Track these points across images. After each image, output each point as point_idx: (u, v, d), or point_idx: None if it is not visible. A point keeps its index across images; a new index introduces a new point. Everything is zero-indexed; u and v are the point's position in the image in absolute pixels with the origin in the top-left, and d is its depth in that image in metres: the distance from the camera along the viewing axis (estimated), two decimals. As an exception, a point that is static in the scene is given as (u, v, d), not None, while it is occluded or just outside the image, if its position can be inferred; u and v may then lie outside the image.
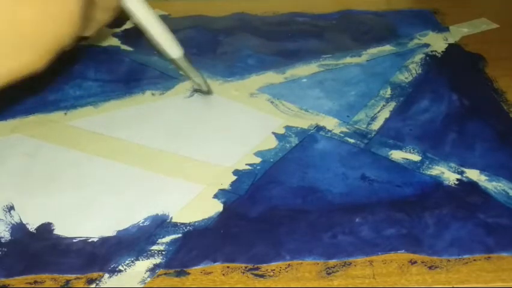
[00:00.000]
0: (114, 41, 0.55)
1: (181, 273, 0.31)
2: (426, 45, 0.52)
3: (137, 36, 0.56)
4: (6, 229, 0.34)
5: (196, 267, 0.31)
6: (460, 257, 0.31)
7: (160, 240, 0.33)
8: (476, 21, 0.57)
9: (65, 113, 0.44)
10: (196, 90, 0.45)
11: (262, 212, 0.34)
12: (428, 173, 0.37)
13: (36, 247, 0.32)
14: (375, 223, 0.33)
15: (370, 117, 0.43)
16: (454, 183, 0.36)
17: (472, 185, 0.36)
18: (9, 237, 0.33)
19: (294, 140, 0.41)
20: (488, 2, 0.62)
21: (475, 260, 0.31)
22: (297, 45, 0.53)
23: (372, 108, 0.44)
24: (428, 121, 0.42)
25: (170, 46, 0.41)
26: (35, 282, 0.31)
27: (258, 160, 0.39)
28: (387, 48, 0.52)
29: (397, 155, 0.39)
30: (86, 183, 0.37)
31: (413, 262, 0.31)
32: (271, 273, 0.31)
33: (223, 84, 0.47)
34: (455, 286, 0.30)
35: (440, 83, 0.47)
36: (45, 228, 0.34)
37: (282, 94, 0.46)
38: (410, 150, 0.39)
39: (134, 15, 0.38)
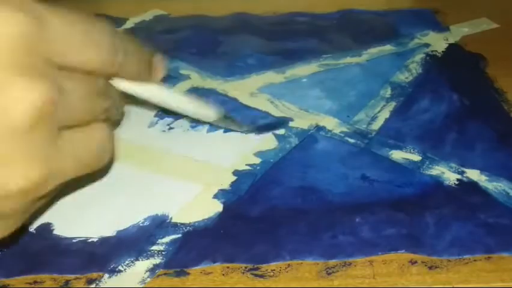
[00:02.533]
0: (114, 41, 0.54)
1: (181, 273, 0.31)
2: (427, 45, 0.52)
3: (137, 36, 0.56)
4: (6, 229, 0.34)
5: (196, 267, 0.31)
6: (460, 257, 0.31)
7: (160, 240, 0.33)
8: (476, 21, 0.57)
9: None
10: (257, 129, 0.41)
11: (262, 212, 0.34)
12: (428, 173, 0.37)
13: (36, 247, 0.32)
14: (375, 223, 0.33)
15: (370, 117, 0.43)
16: (454, 183, 0.36)
17: (472, 185, 0.36)
18: (9, 237, 0.33)
19: (294, 140, 0.41)
20: (488, 2, 0.62)
21: (475, 260, 0.31)
22: (297, 45, 0.53)
23: (373, 108, 0.44)
24: (428, 121, 0.42)
25: (205, 112, 0.36)
26: (35, 282, 0.31)
27: (258, 160, 0.39)
28: (388, 48, 0.52)
29: (397, 155, 0.39)
30: (86, 183, 0.37)
31: (413, 262, 0.31)
32: (271, 273, 0.31)
33: (224, 83, 0.47)
34: (455, 286, 0.30)
35: (441, 83, 0.47)
36: (45, 228, 0.34)
37: (282, 94, 0.46)
38: (410, 150, 0.39)
39: (145, 98, 0.32)
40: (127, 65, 0.27)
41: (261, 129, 0.41)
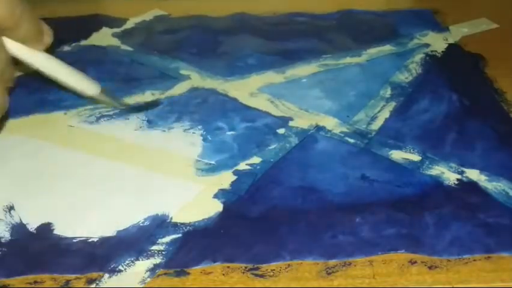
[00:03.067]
0: (114, 41, 0.55)
1: (181, 273, 0.31)
2: (426, 45, 0.52)
3: (137, 36, 0.56)
4: (6, 229, 0.34)
5: (196, 267, 0.31)
6: (460, 257, 0.31)
7: (160, 240, 0.33)
8: (476, 21, 0.57)
9: (65, 113, 0.44)
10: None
11: (262, 212, 0.34)
12: (428, 173, 0.37)
13: (36, 247, 0.32)
14: (375, 223, 0.33)
15: (370, 117, 0.43)
16: (454, 183, 0.36)
17: (472, 185, 0.36)
18: (9, 237, 0.33)
19: (294, 140, 0.41)
20: (488, 2, 0.62)
21: (475, 260, 0.31)
22: (297, 45, 0.53)
23: (372, 108, 0.44)
24: (428, 121, 0.42)
25: (86, 86, 0.38)
26: (35, 282, 0.31)
27: (258, 160, 0.39)
28: (387, 48, 0.52)
29: (397, 155, 0.39)
30: (86, 183, 0.37)
31: (413, 262, 0.31)
32: (271, 273, 0.31)
33: (224, 83, 0.47)
34: (455, 286, 0.30)
35: (440, 83, 0.47)
36: (45, 228, 0.34)
37: (282, 94, 0.46)
38: (410, 150, 0.39)
39: (35, 65, 0.34)
40: (22, 22, 0.28)
41: (134, 109, 0.44)
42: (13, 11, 0.27)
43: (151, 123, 0.43)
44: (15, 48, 0.30)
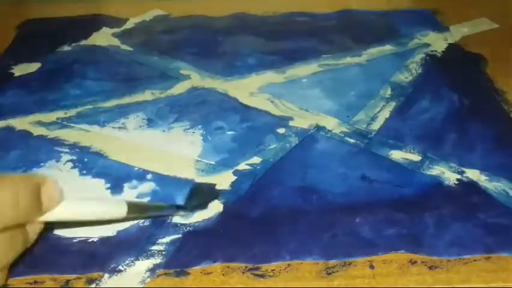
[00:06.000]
0: (114, 41, 0.55)
1: (181, 273, 0.31)
2: (427, 45, 0.52)
3: (137, 36, 0.56)
4: (6, 229, 0.33)
5: (196, 267, 0.31)
6: (460, 257, 0.31)
7: (160, 240, 0.33)
8: (476, 21, 0.57)
9: (65, 113, 0.44)
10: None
11: (262, 212, 0.34)
12: (428, 173, 0.37)
13: (36, 247, 0.32)
14: (375, 223, 0.33)
15: (370, 117, 0.43)
16: (454, 183, 0.36)
17: (472, 185, 0.36)
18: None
19: (294, 140, 0.41)
20: (488, 2, 0.62)
21: (475, 260, 0.31)
22: (297, 45, 0.53)
23: (372, 108, 0.44)
24: (428, 121, 0.42)
25: (115, 210, 0.31)
26: (35, 282, 0.31)
27: (258, 160, 0.39)
28: (387, 48, 0.52)
29: (397, 155, 0.39)
30: (87, 183, 0.37)
31: (413, 262, 0.31)
32: (271, 273, 0.31)
33: (224, 83, 0.47)
34: (455, 286, 0.30)
35: (440, 83, 0.47)
36: (45, 228, 0.33)
37: (282, 94, 0.46)
38: (410, 150, 0.39)
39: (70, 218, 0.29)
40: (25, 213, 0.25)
41: (194, 207, 0.35)
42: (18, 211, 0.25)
43: (151, 123, 0.43)
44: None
